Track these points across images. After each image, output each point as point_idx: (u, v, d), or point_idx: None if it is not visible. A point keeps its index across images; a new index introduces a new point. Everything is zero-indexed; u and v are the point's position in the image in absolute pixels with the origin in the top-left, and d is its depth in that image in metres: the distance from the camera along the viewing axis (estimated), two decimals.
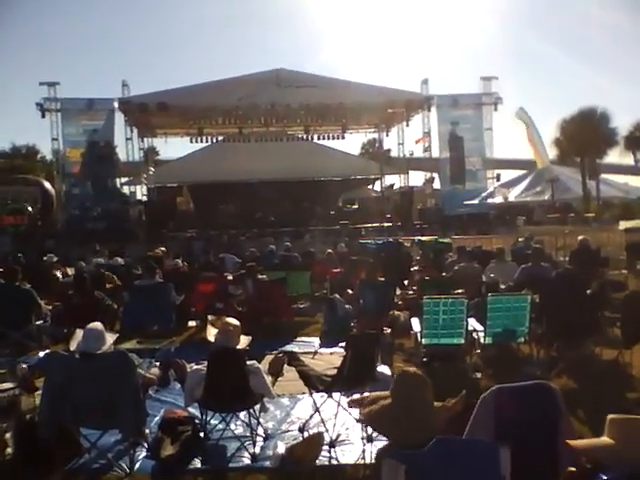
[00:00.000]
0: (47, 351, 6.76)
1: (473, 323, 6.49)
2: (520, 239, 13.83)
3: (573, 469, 2.28)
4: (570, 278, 7.20)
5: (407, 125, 27.06)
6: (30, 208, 22.51)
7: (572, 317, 6.26)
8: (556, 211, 25.71)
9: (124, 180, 26.73)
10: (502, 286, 8.31)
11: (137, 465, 4.27)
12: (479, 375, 6.25)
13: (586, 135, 31.45)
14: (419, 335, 6.36)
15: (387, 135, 29.88)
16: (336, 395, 4.78)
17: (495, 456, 2.42)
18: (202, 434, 4.60)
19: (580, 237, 11.17)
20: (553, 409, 2.93)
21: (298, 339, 8.38)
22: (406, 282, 10.51)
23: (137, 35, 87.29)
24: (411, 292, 9.39)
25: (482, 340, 6.42)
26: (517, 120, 29.95)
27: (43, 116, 23.45)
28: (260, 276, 10.01)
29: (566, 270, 8.42)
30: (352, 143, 62.66)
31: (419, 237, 16.11)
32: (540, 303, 6.56)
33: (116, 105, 23.53)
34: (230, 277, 10.53)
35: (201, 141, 26.12)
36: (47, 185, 24.68)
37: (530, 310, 6.38)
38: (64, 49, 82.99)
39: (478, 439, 2.78)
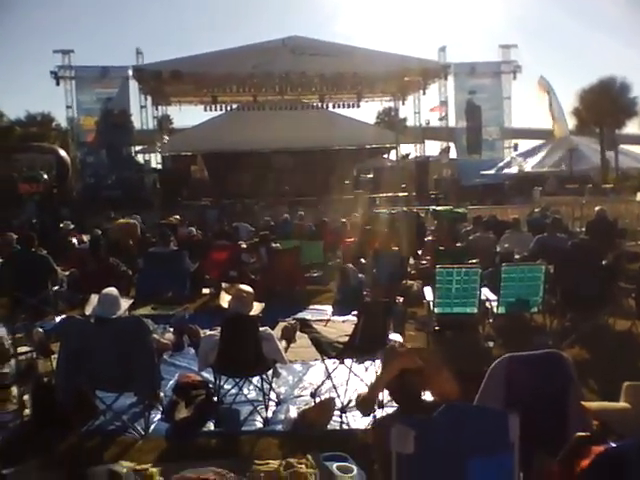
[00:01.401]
0: (63, 316, 6.87)
1: (486, 292, 6.47)
2: (536, 209, 13.72)
3: (582, 434, 2.28)
4: (585, 248, 7.15)
5: (424, 94, 26.67)
6: (45, 176, 22.62)
7: (586, 287, 6.23)
8: (573, 181, 25.36)
9: (138, 148, 26.72)
10: (517, 256, 8.26)
11: (152, 427, 4.35)
12: (491, 344, 6.25)
13: (605, 105, 30.80)
14: (432, 304, 6.37)
15: (403, 104, 29.52)
16: (348, 362, 4.84)
17: (504, 423, 2.43)
18: (215, 398, 4.67)
19: (597, 208, 11.05)
20: (564, 378, 2.93)
21: (311, 307, 8.43)
22: (420, 252, 10.49)
23: (151, 2, 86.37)
24: (424, 262, 9.38)
25: (495, 310, 6.41)
26: (538, 89, 29.34)
27: (57, 84, 23.46)
28: (274, 245, 10.05)
29: (581, 240, 8.35)
30: (367, 112, 62.02)
31: (434, 207, 16.00)
32: (554, 273, 6.53)
33: (130, 73, 23.44)
34: (244, 245, 10.58)
35: (215, 109, 25.97)
36: (62, 153, 24.73)
37: (544, 280, 6.34)
38: (78, 17, 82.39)
39: (487, 406, 2.79)
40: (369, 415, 3.86)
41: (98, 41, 76.19)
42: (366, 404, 3.42)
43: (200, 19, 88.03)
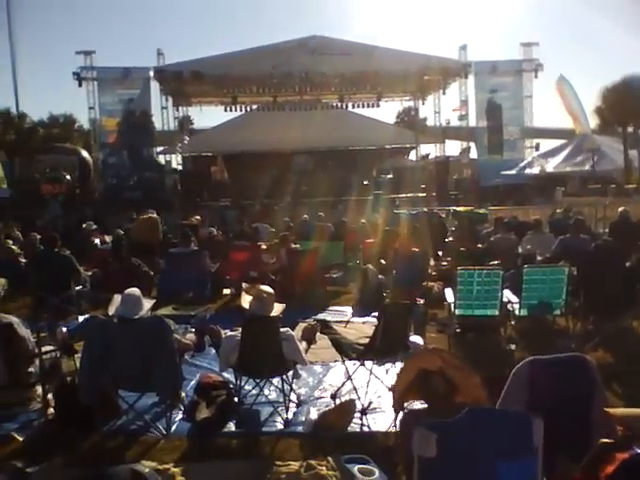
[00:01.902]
0: (86, 316, 6.95)
1: (508, 294, 6.41)
2: (558, 210, 13.56)
3: (607, 440, 2.25)
4: (609, 250, 7.04)
5: (444, 93, 26.48)
6: (68, 177, 22.90)
7: (610, 290, 6.14)
8: (596, 182, 25.03)
9: (160, 149, 26.94)
10: (539, 258, 8.18)
11: (173, 427, 4.38)
12: (513, 347, 6.19)
13: (629, 104, 30.32)
14: (453, 306, 6.33)
15: (423, 103, 29.38)
16: (368, 363, 4.82)
17: (528, 427, 2.41)
18: (236, 399, 4.70)
19: (620, 209, 10.87)
20: (588, 382, 2.89)
21: (331, 308, 8.41)
22: (440, 253, 10.44)
23: (172, 3, 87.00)
24: (445, 263, 9.33)
25: (517, 312, 6.35)
26: (556, 89, 29.00)
27: (80, 85, 23.69)
28: (294, 246, 10.07)
29: (605, 242, 8.23)
30: (387, 111, 61.71)
31: (454, 207, 15.89)
32: (577, 275, 6.44)
33: (151, 74, 23.60)
34: (264, 246, 10.62)
35: (235, 110, 26.06)
36: (84, 154, 25.02)
37: (567, 282, 6.27)
38: (100, 18, 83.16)
39: (511, 409, 2.77)
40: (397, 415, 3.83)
41: (120, 42, 76.82)
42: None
43: (221, 19, 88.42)
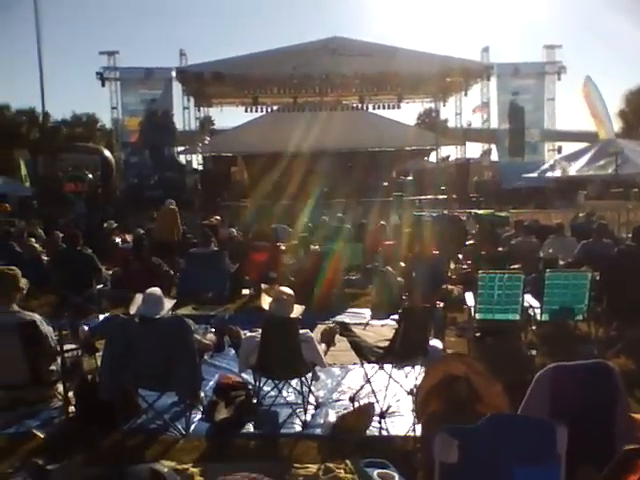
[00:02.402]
0: (107, 314, 7.03)
1: (529, 299, 6.35)
2: (580, 214, 13.39)
3: (630, 447, 2.22)
4: (632, 255, 6.92)
5: (465, 95, 26.34)
6: (90, 175, 23.16)
7: (633, 295, 6.04)
8: (619, 186, 24.66)
9: (180, 149, 27.12)
10: (561, 262, 8.08)
11: (192, 427, 4.39)
12: (534, 352, 6.13)
13: None
14: (473, 310, 6.27)
15: (444, 105, 29.28)
16: (387, 367, 4.80)
17: (551, 434, 2.38)
18: (255, 400, 4.71)
19: None
20: (611, 389, 2.85)
21: (349, 310, 8.40)
22: (460, 256, 10.36)
23: (194, 5, 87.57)
24: (465, 266, 9.26)
25: (538, 317, 6.28)
26: (583, 90, 28.65)
27: (103, 85, 23.99)
28: (313, 247, 10.07)
29: (628, 247, 8.08)
30: (408, 113, 61.60)
31: (475, 210, 15.78)
32: (600, 280, 6.36)
33: (174, 74, 23.78)
34: (283, 247, 10.64)
35: (256, 110, 26.17)
36: (107, 153, 25.27)
37: (590, 287, 6.19)
38: (123, 19, 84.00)
39: (534, 416, 2.74)
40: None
41: (143, 42, 77.54)
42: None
43: (242, 21, 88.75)
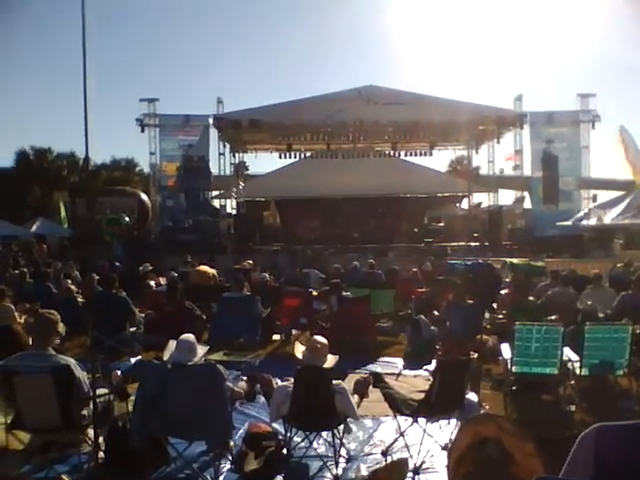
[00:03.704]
0: (139, 357, 7.05)
1: (568, 352, 6.17)
2: (619, 264, 13.10)
3: None
4: None
5: (498, 142, 26.35)
6: (127, 218, 23.65)
7: None
8: None
9: (215, 193, 27.55)
10: (600, 314, 7.87)
11: (221, 477, 4.33)
12: (573, 408, 5.94)
13: None
14: (509, 362, 6.11)
15: (477, 152, 29.21)
16: (421, 420, 4.67)
17: None
18: (285, 451, 4.62)
19: None
20: None
21: (381, 359, 8.27)
22: (495, 305, 10.17)
23: (231, 54, 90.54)
24: (500, 316, 9.07)
25: (577, 371, 6.09)
26: (617, 139, 28.45)
27: (142, 131, 24.61)
28: (344, 293, 10.02)
29: None
30: (440, 160, 61.81)
31: (510, 259, 15.54)
32: None
33: (211, 121, 24.36)
34: (315, 293, 10.60)
35: (289, 157, 26.52)
36: (144, 197, 25.84)
37: (630, 341, 6.01)
38: (164, 67, 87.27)
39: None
40: None
41: (182, 90, 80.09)
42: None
43: (276, 68, 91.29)
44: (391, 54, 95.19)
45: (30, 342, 4.97)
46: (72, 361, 4.61)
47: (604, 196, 29.49)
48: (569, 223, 23.46)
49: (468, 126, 24.72)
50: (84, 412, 4.67)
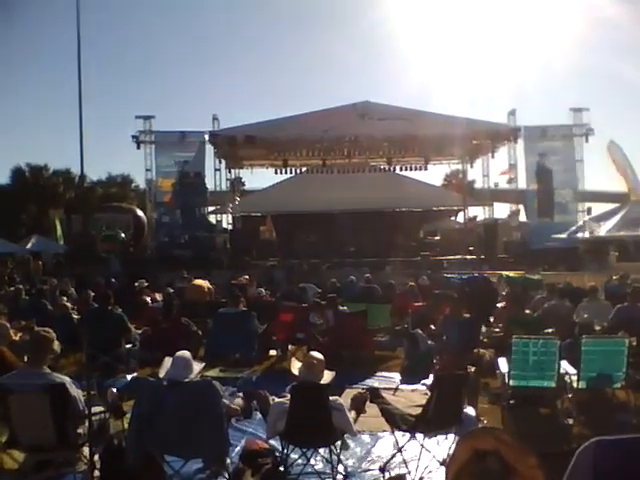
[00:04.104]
0: (134, 374, 7.00)
1: (565, 366, 6.17)
2: (614, 277, 13.11)
3: None
4: None
5: (492, 157, 26.48)
6: (123, 234, 23.63)
7: None
8: None
9: (211, 209, 27.58)
10: (596, 327, 7.88)
11: None
12: (570, 421, 5.92)
13: None
14: (506, 376, 6.10)
15: (471, 166, 29.33)
16: (419, 436, 4.64)
17: None
18: (282, 468, 4.58)
19: None
20: None
21: (378, 373, 8.23)
22: (492, 319, 10.16)
23: (226, 71, 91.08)
24: (497, 329, 9.06)
25: (575, 384, 6.08)
26: (607, 154, 28.63)
27: (138, 147, 24.67)
28: (341, 307, 9.99)
29: None
30: (435, 174, 62.06)
31: (506, 272, 15.53)
32: (637, 346, 6.18)
33: (206, 138, 24.44)
34: (311, 307, 10.56)
35: (285, 172, 26.57)
36: (139, 213, 25.86)
37: (627, 354, 6.01)
38: (159, 85, 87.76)
39: None
40: None
41: (177, 107, 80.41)
42: None
43: (273, 86, 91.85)
44: (386, 69, 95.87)
45: (21, 361, 4.93)
46: (67, 379, 4.58)
47: (599, 208, 29.67)
48: (564, 236, 23.54)
49: (462, 140, 24.86)
50: (79, 430, 4.63)
